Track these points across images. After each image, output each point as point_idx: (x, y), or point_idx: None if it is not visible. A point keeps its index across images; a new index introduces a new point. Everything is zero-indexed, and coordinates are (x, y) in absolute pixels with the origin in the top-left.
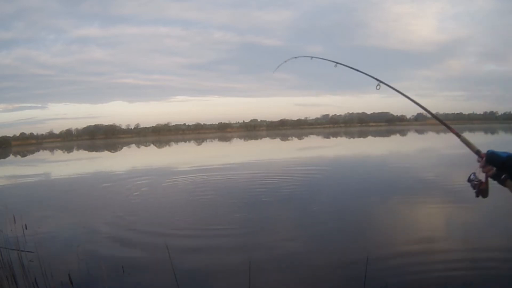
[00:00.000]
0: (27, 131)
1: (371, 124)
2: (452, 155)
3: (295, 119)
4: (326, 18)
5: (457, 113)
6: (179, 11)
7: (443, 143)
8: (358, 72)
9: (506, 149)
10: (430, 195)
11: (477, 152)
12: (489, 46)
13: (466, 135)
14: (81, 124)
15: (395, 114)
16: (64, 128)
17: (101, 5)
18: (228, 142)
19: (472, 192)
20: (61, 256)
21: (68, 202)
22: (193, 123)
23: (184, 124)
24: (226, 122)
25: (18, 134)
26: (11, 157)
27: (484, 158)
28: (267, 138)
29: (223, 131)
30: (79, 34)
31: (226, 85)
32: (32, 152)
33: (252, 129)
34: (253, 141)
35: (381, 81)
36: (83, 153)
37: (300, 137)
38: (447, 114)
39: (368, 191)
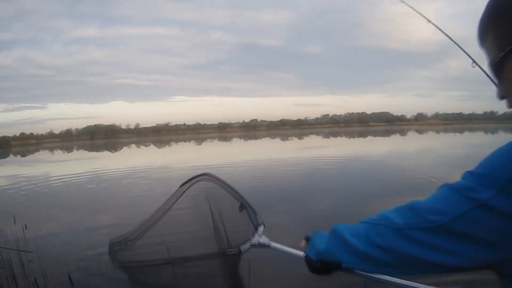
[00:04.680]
0: (27, 131)
1: (371, 124)
2: (454, 155)
3: (295, 119)
4: (324, 19)
5: (457, 113)
6: (177, 12)
7: (445, 143)
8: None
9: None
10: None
11: None
12: None
13: (466, 135)
14: (81, 124)
15: (395, 114)
16: (64, 128)
17: (100, 6)
18: (228, 142)
19: None
20: (61, 256)
21: (68, 202)
22: (193, 123)
23: (184, 124)
24: (226, 122)
25: (18, 134)
26: (11, 157)
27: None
28: (267, 138)
29: (223, 131)
30: (78, 35)
31: (225, 85)
32: (32, 152)
33: (252, 129)
34: (253, 141)
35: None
36: (83, 153)
37: (300, 137)
38: (447, 114)
39: (370, 191)
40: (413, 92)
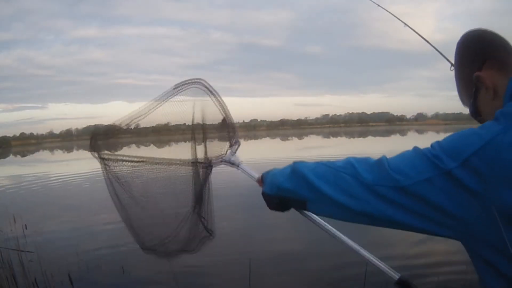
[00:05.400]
0: (27, 131)
1: (371, 124)
2: None
3: (295, 119)
4: (324, 19)
5: (457, 113)
6: (177, 12)
7: None
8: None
9: None
10: None
11: None
12: None
13: None
14: (81, 124)
15: (395, 114)
16: (64, 128)
17: (100, 6)
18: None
19: None
20: (61, 256)
21: (68, 202)
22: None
23: (184, 124)
24: None
25: (18, 134)
26: (11, 157)
27: None
28: (267, 138)
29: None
30: (78, 35)
31: (225, 85)
32: (32, 152)
33: (252, 129)
34: (253, 141)
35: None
36: (83, 153)
37: (300, 137)
38: (447, 114)
39: None
40: (413, 92)
